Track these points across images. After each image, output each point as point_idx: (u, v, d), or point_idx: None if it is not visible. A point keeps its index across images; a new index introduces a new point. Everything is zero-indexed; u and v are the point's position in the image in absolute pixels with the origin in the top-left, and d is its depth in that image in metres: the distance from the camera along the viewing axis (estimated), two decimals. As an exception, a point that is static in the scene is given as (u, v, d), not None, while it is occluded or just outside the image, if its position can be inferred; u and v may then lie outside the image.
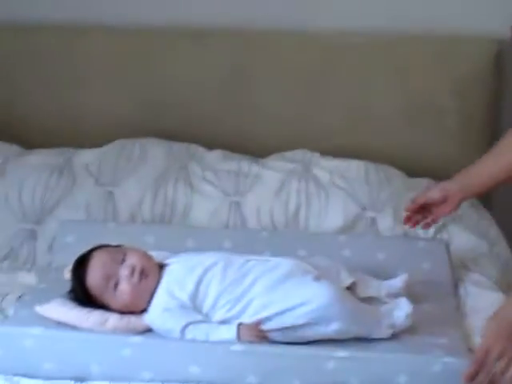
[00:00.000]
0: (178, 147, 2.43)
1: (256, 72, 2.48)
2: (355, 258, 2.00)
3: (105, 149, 2.41)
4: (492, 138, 2.38)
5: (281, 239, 2.06)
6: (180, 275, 1.78)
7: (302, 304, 1.69)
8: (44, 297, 1.82)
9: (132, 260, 1.78)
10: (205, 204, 2.23)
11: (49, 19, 2.53)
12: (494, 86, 2.46)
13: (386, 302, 1.83)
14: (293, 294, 1.71)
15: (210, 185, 2.28)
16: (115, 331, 1.71)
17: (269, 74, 2.48)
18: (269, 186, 2.27)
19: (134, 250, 1.83)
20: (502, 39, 2.44)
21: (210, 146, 2.47)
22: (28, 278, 2.01)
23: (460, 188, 1.88)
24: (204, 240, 2.05)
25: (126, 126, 2.52)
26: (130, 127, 2.52)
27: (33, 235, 2.16)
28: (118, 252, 1.81)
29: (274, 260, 1.82)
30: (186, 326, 1.69)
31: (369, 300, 1.85)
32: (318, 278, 1.75)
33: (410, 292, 1.86)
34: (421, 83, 2.44)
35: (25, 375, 1.61)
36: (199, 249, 1.97)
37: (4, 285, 1.96)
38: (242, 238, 2.06)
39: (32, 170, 2.30)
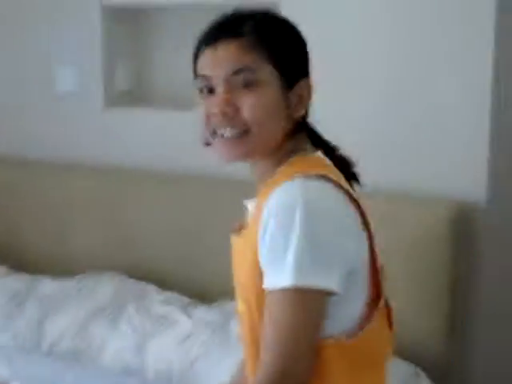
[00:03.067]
0: (133, 285, 2.56)
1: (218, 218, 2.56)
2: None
3: (65, 282, 2.62)
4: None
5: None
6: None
7: None
8: None
9: None
10: (116, 342, 2.33)
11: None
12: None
13: None
14: None
15: (129, 325, 2.37)
16: None
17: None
18: (177, 334, 2.31)
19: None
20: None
21: (173, 286, 2.58)
22: None
23: None
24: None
25: (100, 259, 2.73)
26: (104, 261, 2.72)
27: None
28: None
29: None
30: None
31: None
32: None
33: None
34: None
35: None
36: None
37: None
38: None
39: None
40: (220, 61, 1.36)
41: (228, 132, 1.37)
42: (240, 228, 1.50)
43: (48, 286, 2.60)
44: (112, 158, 2.79)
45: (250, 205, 1.49)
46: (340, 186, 1.38)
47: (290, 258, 1.30)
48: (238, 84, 1.36)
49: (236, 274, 1.52)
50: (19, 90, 2.92)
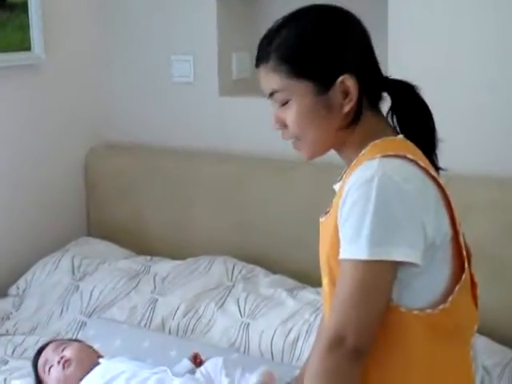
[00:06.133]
0: (242, 267, 2.62)
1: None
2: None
3: (179, 262, 2.71)
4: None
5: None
6: (94, 375, 2.01)
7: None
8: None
9: (65, 351, 2.07)
10: (222, 322, 2.39)
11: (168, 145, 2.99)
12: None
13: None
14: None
15: (236, 306, 2.43)
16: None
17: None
18: (281, 314, 2.35)
19: (75, 343, 2.11)
20: None
21: (283, 270, 2.63)
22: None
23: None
24: (184, 352, 2.21)
25: (215, 244, 2.81)
26: (219, 245, 2.79)
27: (82, 326, 2.52)
28: (63, 343, 2.11)
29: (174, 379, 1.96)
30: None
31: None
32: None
33: None
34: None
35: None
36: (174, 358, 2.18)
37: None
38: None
39: (115, 271, 2.70)
40: (261, 84, 1.51)
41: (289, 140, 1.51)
42: (328, 211, 1.54)
43: (163, 267, 2.71)
44: (227, 145, 2.87)
45: (337, 187, 1.53)
46: (418, 164, 1.40)
47: (365, 230, 1.34)
48: (277, 103, 1.49)
49: (321, 250, 1.55)
50: (140, 79, 3.04)
